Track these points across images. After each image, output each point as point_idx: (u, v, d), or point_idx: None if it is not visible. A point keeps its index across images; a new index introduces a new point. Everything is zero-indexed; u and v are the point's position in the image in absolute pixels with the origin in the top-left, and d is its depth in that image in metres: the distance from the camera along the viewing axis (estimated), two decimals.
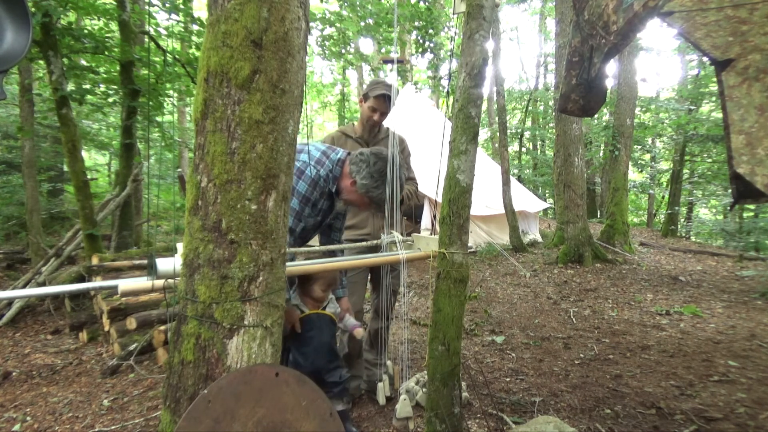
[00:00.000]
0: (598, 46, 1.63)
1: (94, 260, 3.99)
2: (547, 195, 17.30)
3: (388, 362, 2.00)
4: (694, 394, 2.52)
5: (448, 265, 1.61)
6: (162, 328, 3.15)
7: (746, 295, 4.99)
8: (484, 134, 18.23)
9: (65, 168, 8.07)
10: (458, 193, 1.63)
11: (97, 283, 1.35)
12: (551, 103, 15.46)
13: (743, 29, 2.20)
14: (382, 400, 1.94)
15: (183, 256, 1.03)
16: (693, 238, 12.21)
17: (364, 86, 2.47)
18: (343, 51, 10.37)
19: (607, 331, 3.80)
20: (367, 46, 16.17)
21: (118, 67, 5.55)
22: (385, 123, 2.56)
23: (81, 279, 4.04)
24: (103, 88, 5.99)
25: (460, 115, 1.64)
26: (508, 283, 5.75)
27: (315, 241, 2.28)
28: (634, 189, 14.48)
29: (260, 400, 0.94)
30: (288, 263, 1.38)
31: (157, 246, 5.86)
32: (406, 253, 1.80)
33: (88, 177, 4.79)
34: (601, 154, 14.17)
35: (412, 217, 8.86)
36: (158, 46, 5.75)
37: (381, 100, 2.37)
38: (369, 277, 2.55)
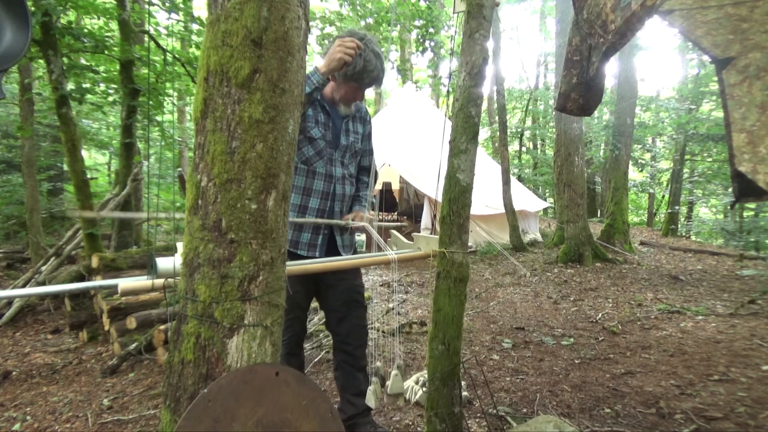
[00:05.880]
0: (597, 45, 1.63)
1: (94, 260, 3.99)
2: (547, 194, 17.29)
3: (378, 363, 1.89)
4: (694, 393, 2.52)
5: (448, 264, 1.61)
6: (162, 327, 3.15)
7: (746, 295, 4.99)
8: (484, 133, 18.21)
9: (65, 167, 8.07)
10: (458, 192, 1.62)
11: (97, 282, 1.35)
12: (551, 102, 15.44)
13: (744, 27, 2.19)
14: (373, 404, 1.79)
15: (183, 256, 1.03)
16: (693, 238, 12.21)
17: None
18: None
19: (608, 330, 3.80)
20: None
21: (117, 67, 5.54)
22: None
23: (81, 278, 4.04)
24: (103, 87, 5.98)
25: (460, 115, 1.64)
26: (508, 283, 5.75)
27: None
28: (635, 188, 14.47)
29: (260, 400, 0.95)
30: (288, 263, 1.38)
31: (157, 245, 5.86)
32: (402, 252, 1.80)
33: (88, 176, 4.79)
34: (602, 153, 14.16)
35: (412, 216, 8.87)
36: (158, 45, 5.75)
37: None
38: None
